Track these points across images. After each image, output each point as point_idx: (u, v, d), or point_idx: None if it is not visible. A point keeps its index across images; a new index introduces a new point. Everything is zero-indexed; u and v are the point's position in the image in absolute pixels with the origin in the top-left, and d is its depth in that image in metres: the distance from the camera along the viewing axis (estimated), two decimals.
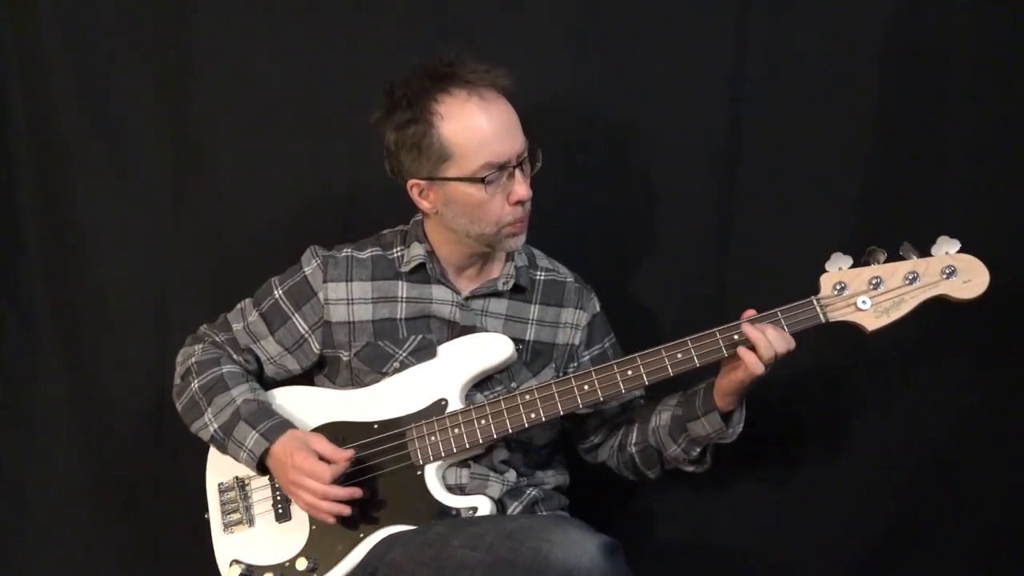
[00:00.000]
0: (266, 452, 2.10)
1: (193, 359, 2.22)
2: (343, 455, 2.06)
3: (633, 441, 2.24)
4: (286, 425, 2.12)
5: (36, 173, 2.63)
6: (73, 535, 2.67)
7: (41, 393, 2.66)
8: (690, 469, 2.19)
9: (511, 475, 2.15)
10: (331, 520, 2.07)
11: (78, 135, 2.61)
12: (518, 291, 2.21)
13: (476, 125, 2.03)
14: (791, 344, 2.00)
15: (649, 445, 2.21)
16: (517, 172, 2.06)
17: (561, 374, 2.23)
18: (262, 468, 2.13)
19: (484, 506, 2.05)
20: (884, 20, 2.38)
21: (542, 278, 2.25)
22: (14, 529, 2.67)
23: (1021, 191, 2.36)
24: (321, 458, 2.06)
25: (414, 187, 2.11)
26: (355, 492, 2.06)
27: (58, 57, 2.59)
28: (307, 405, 2.18)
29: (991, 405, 2.40)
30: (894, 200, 2.40)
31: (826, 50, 2.41)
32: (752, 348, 1.99)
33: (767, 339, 1.98)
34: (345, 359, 2.18)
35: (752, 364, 1.98)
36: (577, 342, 2.25)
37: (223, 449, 2.15)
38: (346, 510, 2.06)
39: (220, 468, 2.22)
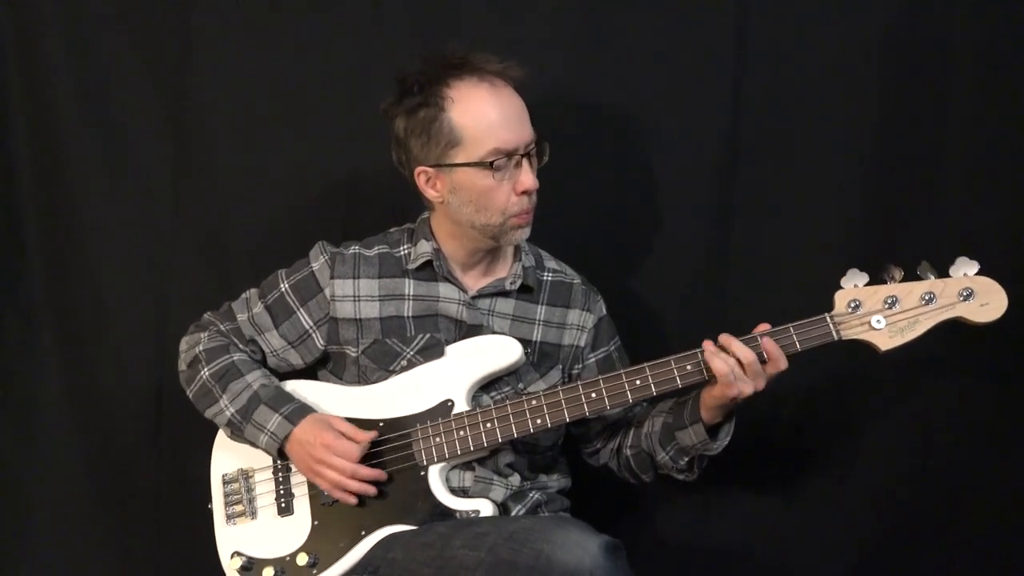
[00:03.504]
0: (288, 436, 2.10)
1: (200, 347, 2.22)
2: (365, 436, 2.08)
3: (628, 444, 2.24)
4: (307, 409, 2.12)
5: (36, 173, 2.62)
6: (73, 535, 2.66)
7: (41, 393, 2.66)
8: (680, 477, 2.19)
9: (515, 479, 2.15)
10: (353, 500, 2.07)
11: (78, 135, 2.60)
12: (525, 291, 2.20)
13: (486, 110, 2.04)
14: (779, 364, 1.97)
15: (642, 450, 2.21)
16: (524, 162, 2.07)
17: (566, 376, 2.23)
18: (281, 453, 2.13)
19: (486, 510, 2.05)
20: (884, 20, 2.39)
21: (549, 279, 2.24)
22: (14, 529, 2.67)
23: (1022, 192, 2.37)
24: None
25: (421, 174, 2.11)
26: (381, 474, 2.08)
27: (58, 57, 2.58)
28: (315, 399, 2.18)
29: (995, 415, 2.41)
30: (894, 200, 2.41)
31: (826, 50, 2.42)
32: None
33: (733, 366, 1.96)
34: (353, 355, 2.17)
35: (722, 379, 1.97)
36: (583, 344, 2.24)
37: (240, 433, 2.15)
38: (372, 490, 2.07)
39: (225, 458, 2.22)
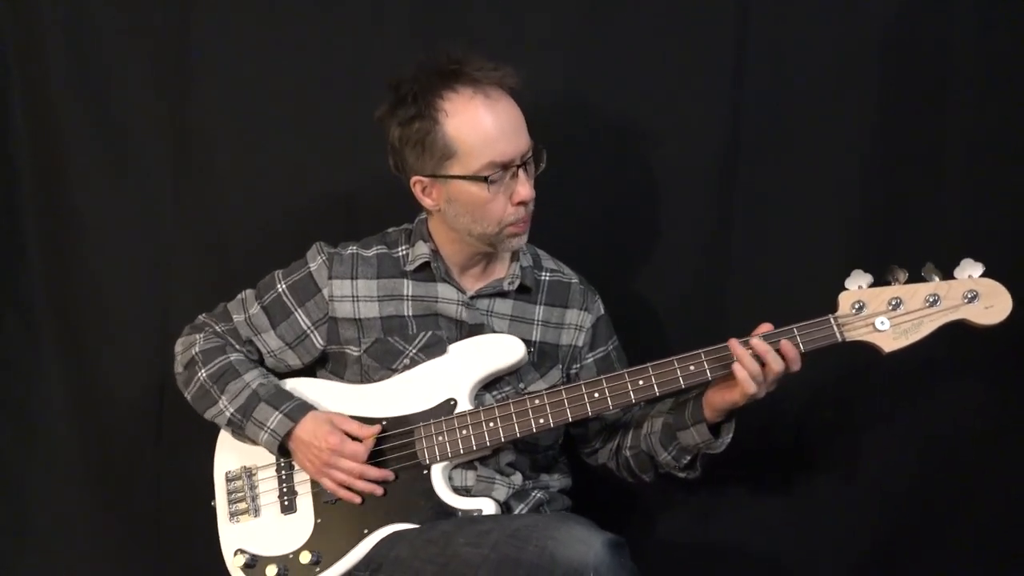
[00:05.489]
0: (288, 434, 2.10)
1: (196, 348, 2.22)
2: (370, 431, 2.08)
3: (628, 445, 2.24)
4: (307, 406, 2.12)
5: (36, 173, 2.63)
6: (73, 535, 2.67)
7: (41, 393, 2.66)
8: (682, 475, 2.18)
9: (517, 478, 2.15)
10: (358, 500, 2.08)
11: (78, 135, 2.61)
12: (523, 291, 2.20)
13: (481, 123, 2.02)
14: (794, 366, 1.96)
15: (642, 450, 2.20)
16: (521, 172, 2.05)
17: (565, 376, 2.23)
18: (282, 450, 2.13)
19: (488, 509, 2.06)
20: (884, 20, 2.39)
21: (547, 279, 2.24)
22: (14, 529, 2.67)
23: (1022, 192, 2.37)
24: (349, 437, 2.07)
25: (417, 184, 2.10)
26: (388, 474, 2.08)
27: (58, 57, 2.58)
28: (316, 397, 2.18)
29: (997, 417, 2.40)
30: (896, 201, 2.41)
31: (826, 50, 2.41)
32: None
33: (763, 361, 1.95)
34: (355, 355, 2.17)
35: (744, 382, 1.95)
36: (581, 344, 2.24)
37: (240, 431, 2.15)
38: (379, 490, 2.08)
39: (228, 456, 2.22)
